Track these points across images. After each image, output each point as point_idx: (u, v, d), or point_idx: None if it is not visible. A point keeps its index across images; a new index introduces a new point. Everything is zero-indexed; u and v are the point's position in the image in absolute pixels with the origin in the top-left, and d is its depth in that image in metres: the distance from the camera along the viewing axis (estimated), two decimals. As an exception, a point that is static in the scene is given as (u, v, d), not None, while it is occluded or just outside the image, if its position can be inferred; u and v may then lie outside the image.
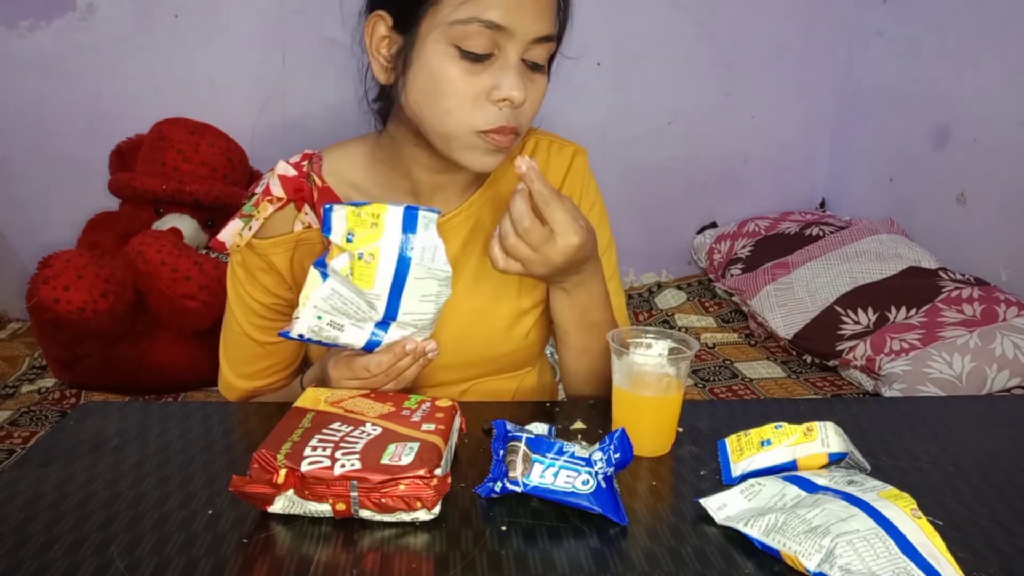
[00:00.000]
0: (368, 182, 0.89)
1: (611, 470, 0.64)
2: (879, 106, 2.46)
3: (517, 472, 0.63)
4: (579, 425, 0.79)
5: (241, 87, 2.32)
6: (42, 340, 1.85)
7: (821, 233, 2.32)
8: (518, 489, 0.63)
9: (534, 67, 0.79)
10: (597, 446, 0.64)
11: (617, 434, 0.64)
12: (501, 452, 0.66)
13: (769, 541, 0.58)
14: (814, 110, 2.66)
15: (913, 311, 1.88)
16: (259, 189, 0.86)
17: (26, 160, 2.27)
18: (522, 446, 0.64)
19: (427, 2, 0.75)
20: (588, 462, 0.63)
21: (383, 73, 0.81)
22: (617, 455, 0.64)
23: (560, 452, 0.64)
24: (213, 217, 2.07)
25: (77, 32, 2.20)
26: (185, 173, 2.05)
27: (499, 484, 0.64)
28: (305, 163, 0.87)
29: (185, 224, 2.02)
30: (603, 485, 0.63)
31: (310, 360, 0.98)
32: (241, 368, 0.93)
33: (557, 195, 0.75)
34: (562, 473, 0.63)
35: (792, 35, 2.55)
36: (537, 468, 0.63)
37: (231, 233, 0.86)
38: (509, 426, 0.68)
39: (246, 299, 0.89)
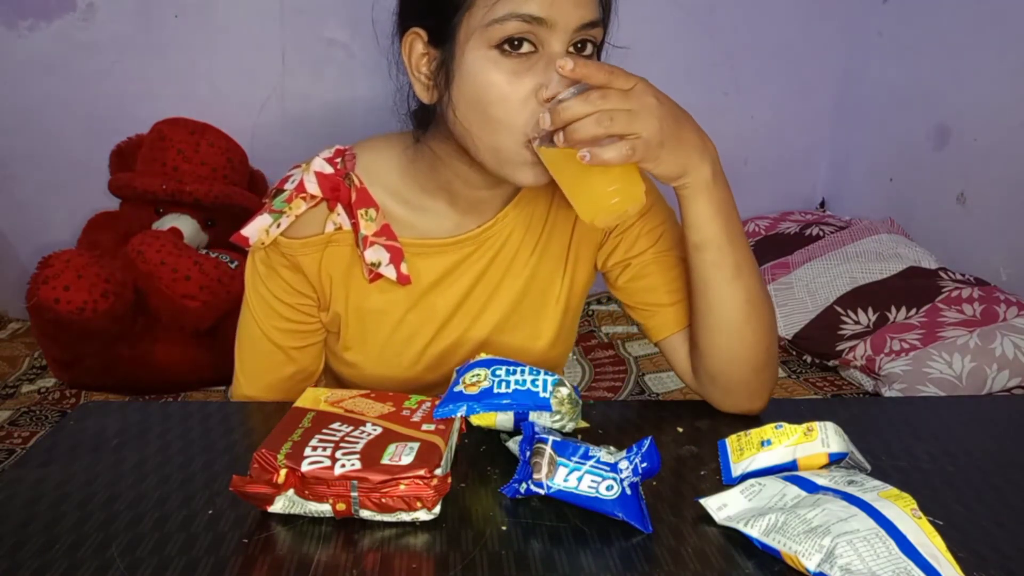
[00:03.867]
0: (403, 187, 0.86)
1: (636, 479, 0.63)
2: (879, 106, 2.46)
3: (541, 474, 0.63)
4: (581, 424, 0.79)
5: (241, 87, 2.32)
6: (42, 340, 1.85)
7: (821, 233, 2.31)
8: (541, 491, 0.63)
9: (584, 57, 0.74)
10: (624, 453, 0.64)
11: (646, 444, 0.64)
12: (528, 453, 0.66)
13: (769, 541, 0.58)
14: (814, 110, 2.66)
15: (913, 311, 1.88)
16: (290, 185, 0.83)
17: (26, 160, 2.27)
18: (548, 448, 0.64)
19: (461, 7, 0.72)
20: (613, 468, 0.63)
21: (425, 92, 0.77)
22: (644, 465, 0.64)
23: (585, 456, 0.64)
24: (213, 217, 2.07)
25: (77, 32, 2.20)
26: (185, 173, 2.05)
27: (524, 485, 0.64)
28: (339, 160, 0.84)
29: (185, 224, 2.02)
30: (628, 492, 0.62)
31: (330, 367, 0.96)
32: (262, 379, 0.89)
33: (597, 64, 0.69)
34: (586, 477, 0.62)
35: (792, 35, 2.55)
36: (561, 471, 0.63)
37: (257, 229, 0.82)
38: (536, 427, 0.68)
39: (268, 298, 0.86)
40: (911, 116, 2.30)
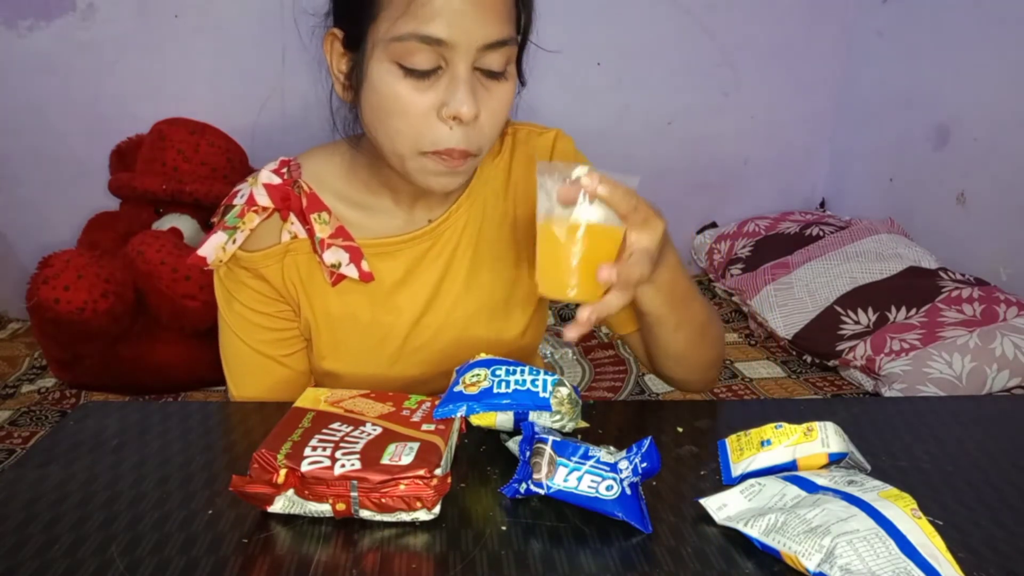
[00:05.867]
0: (350, 189, 0.86)
1: (636, 479, 0.63)
2: (879, 106, 2.46)
3: (541, 474, 0.63)
4: (581, 424, 0.79)
5: (241, 87, 2.32)
6: (42, 340, 1.85)
7: (821, 233, 2.32)
8: (541, 491, 0.63)
9: (491, 75, 0.74)
10: (624, 453, 0.64)
11: (645, 444, 0.64)
12: (527, 453, 0.66)
13: (769, 541, 0.58)
14: (814, 110, 2.66)
15: (913, 311, 1.88)
16: (239, 200, 0.83)
17: (26, 160, 2.27)
18: (547, 448, 0.64)
19: (367, 18, 0.72)
20: (613, 468, 0.63)
21: (343, 91, 0.79)
22: (644, 465, 0.64)
23: (585, 456, 0.64)
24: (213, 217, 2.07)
25: (77, 32, 2.20)
26: (185, 173, 2.05)
27: (524, 485, 0.64)
28: (285, 170, 0.84)
29: (185, 224, 2.02)
30: (628, 492, 0.62)
31: (316, 365, 0.96)
32: (256, 387, 0.89)
33: (619, 191, 0.65)
34: (586, 478, 0.62)
35: (792, 35, 2.55)
36: (561, 471, 0.63)
37: (213, 247, 0.82)
38: (536, 427, 0.68)
39: (246, 314, 0.86)
40: (911, 116, 2.30)
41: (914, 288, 1.94)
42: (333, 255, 0.83)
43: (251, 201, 0.82)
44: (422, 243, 0.87)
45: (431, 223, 0.88)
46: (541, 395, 0.71)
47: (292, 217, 0.84)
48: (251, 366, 0.88)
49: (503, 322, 0.92)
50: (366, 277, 0.85)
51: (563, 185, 0.65)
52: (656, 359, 0.88)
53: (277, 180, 0.84)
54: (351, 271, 0.84)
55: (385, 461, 0.61)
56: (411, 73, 0.71)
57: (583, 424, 0.77)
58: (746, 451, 0.69)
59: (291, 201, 0.83)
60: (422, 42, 0.69)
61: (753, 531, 0.59)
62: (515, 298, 0.92)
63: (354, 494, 0.60)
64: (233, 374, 0.90)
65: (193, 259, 0.83)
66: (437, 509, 0.61)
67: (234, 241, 0.82)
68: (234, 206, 0.83)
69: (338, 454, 0.61)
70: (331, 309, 0.87)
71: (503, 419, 0.72)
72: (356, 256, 0.84)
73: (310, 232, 0.83)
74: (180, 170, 2.05)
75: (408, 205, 0.87)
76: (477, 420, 0.72)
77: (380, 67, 0.72)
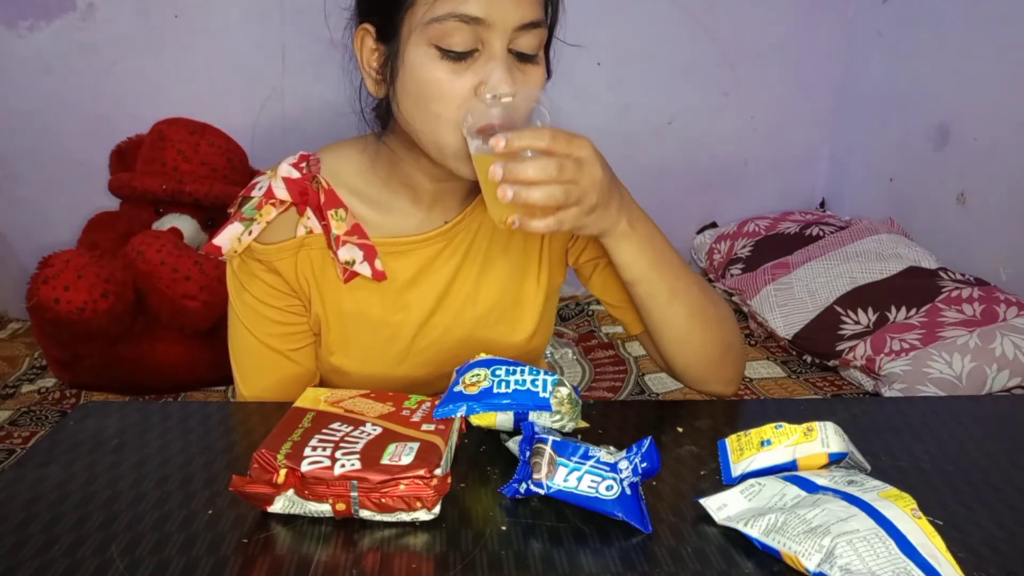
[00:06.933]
0: (367, 187, 0.87)
1: (636, 479, 0.63)
2: (879, 106, 2.46)
3: (541, 474, 0.63)
4: (581, 424, 0.79)
5: (241, 87, 2.32)
6: (42, 340, 1.85)
7: (821, 233, 2.31)
8: (541, 491, 0.63)
9: (524, 58, 0.75)
10: (624, 453, 0.64)
11: (645, 444, 0.64)
12: (527, 453, 0.66)
13: (769, 541, 0.58)
14: (814, 110, 2.66)
15: (913, 311, 1.88)
16: (257, 192, 0.84)
17: (26, 160, 2.27)
18: (547, 448, 0.64)
19: (403, 5, 0.74)
20: (613, 468, 0.63)
21: (375, 86, 0.80)
22: (644, 465, 0.64)
23: (585, 456, 0.64)
24: (213, 217, 2.07)
25: (77, 32, 2.20)
26: (185, 173, 2.05)
27: (524, 485, 0.64)
28: (304, 165, 0.85)
29: (185, 224, 2.02)
30: (628, 492, 0.62)
31: (324, 360, 0.96)
32: (265, 380, 0.89)
33: (536, 130, 0.70)
34: (586, 478, 0.62)
35: (792, 35, 2.55)
36: (561, 471, 0.63)
37: (229, 237, 0.82)
38: (536, 428, 0.68)
39: (256, 306, 0.86)
40: (911, 116, 2.30)
41: (914, 288, 1.94)
42: (347, 252, 0.84)
43: (269, 194, 0.83)
44: (436, 243, 0.88)
45: (447, 224, 0.88)
46: (541, 395, 0.71)
47: (309, 212, 0.84)
48: (259, 360, 0.89)
49: (511, 325, 0.92)
50: (379, 276, 0.85)
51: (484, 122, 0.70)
52: (661, 345, 0.88)
53: (296, 174, 0.84)
54: (364, 269, 0.84)
55: (385, 461, 0.61)
56: (448, 55, 0.73)
57: (583, 424, 0.77)
58: (746, 451, 0.69)
59: (309, 196, 0.84)
60: (460, 21, 0.71)
61: (753, 531, 0.59)
62: (525, 302, 0.92)
63: (354, 494, 0.60)
64: (240, 367, 0.90)
65: (208, 248, 0.83)
66: (437, 509, 0.61)
67: (250, 232, 0.83)
68: (252, 198, 0.84)
69: (338, 454, 0.61)
70: (342, 305, 0.87)
71: (503, 419, 0.72)
72: (370, 254, 0.85)
73: (326, 228, 0.84)
74: (180, 170, 2.05)
75: (427, 205, 0.88)
76: (477, 420, 0.72)
77: (417, 51, 0.74)
